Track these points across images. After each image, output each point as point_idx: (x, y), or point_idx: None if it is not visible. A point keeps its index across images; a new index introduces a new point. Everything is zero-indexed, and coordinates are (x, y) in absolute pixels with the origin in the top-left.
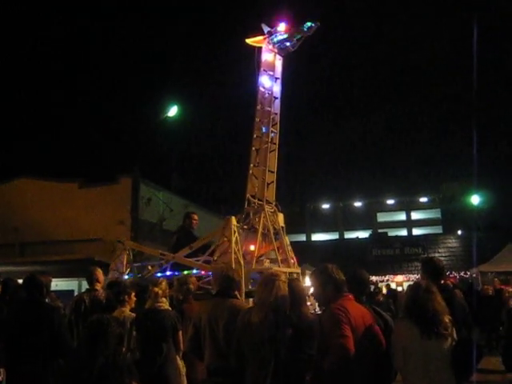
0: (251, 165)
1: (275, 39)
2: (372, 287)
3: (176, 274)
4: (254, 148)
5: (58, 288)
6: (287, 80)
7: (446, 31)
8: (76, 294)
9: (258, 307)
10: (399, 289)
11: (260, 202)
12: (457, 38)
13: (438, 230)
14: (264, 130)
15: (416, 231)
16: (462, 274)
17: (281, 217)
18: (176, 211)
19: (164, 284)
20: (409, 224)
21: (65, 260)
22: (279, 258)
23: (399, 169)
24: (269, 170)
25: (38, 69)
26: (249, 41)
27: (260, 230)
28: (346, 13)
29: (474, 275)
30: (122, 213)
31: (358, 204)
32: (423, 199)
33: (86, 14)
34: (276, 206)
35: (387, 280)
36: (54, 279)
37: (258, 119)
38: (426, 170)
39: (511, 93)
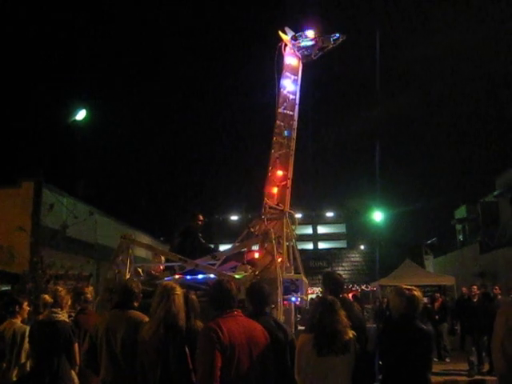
0: (270, 168)
1: (301, 44)
2: None
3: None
4: (273, 151)
5: None
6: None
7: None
8: None
9: (151, 320)
10: None
11: (280, 208)
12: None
13: (342, 244)
14: (286, 133)
15: (322, 245)
16: (363, 287)
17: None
18: (80, 218)
19: (63, 292)
20: (315, 238)
21: None
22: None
23: (307, 184)
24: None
25: None
26: (281, 34)
27: (284, 238)
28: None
29: (375, 289)
30: (22, 218)
31: None
32: (329, 214)
33: None
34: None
35: None
36: None
37: (279, 122)
38: (333, 187)
39: (415, 116)
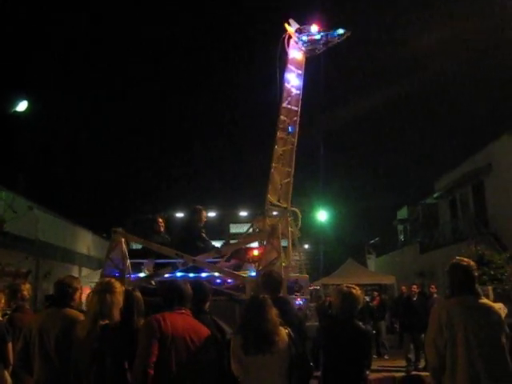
0: (273, 164)
1: (304, 38)
2: None
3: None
4: (276, 147)
5: None
6: None
7: None
8: None
9: (86, 318)
10: None
11: (282, 206)
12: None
13: (287, 242)
14: (290, 129)
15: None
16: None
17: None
18: (20, 213)
19: None
20: None
21: None
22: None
23: (253, 183)
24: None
25: None
26: (286, 26)
27: (290, 237)
28: None
29: (318, 287)
30: None
31: (212, 214)
32: (275, 213)
33: None
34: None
35: None
36: None
37: (283, 117)
38: None
39: (361, 118)
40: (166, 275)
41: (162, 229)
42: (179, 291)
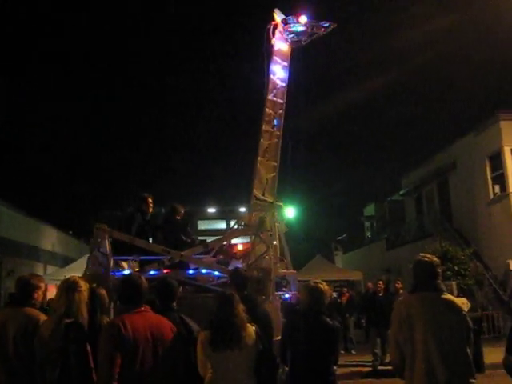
0: (259, 158)
1: (291, 28)
2: None
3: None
4: (262, 140)
5: None
6: None
7: None
8: None
9: (51, 317)
10: None
11: (268, 200)
12: None
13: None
14: (276, 122)
15: (235, 240)
16: None
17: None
18: None
19: None
20: None
21: None
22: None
23: (221, 180)
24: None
25: None
26: (274, 14)
27: (276, 233)
28: None
29: None
30: None
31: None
32: (243, 209)
33: None
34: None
35: None
36: None
37: (268, 110)
38: (246, 182)
39: (331, 116)
40: (152, 272)
41: (151, 209)
42: (135, 287)
